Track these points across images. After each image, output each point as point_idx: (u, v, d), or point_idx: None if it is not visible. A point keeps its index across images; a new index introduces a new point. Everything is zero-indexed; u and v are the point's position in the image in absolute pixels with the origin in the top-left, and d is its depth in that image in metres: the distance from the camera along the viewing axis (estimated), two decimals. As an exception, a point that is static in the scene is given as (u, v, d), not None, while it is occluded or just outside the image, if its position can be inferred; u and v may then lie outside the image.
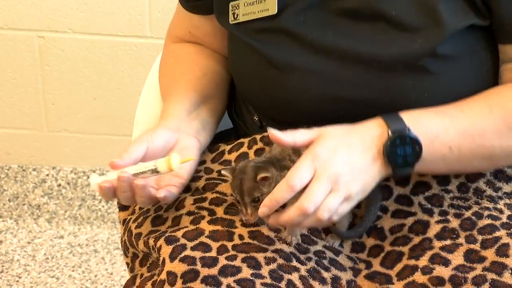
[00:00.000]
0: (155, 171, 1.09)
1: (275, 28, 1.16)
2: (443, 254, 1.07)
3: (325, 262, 1.07)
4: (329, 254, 1.09)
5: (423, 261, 1.07)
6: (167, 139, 1.17)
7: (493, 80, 1.16)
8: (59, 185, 2.35)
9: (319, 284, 1.04)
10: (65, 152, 2.32)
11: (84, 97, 2.24)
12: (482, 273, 1.04)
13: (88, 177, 2.33)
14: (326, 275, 1.06)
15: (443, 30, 1.09)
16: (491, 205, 1.13)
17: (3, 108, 2.27)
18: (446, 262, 1.06)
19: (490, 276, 1.03)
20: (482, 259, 1.05)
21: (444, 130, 1.08)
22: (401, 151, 1.06)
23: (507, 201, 1.14)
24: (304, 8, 1.15)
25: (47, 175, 2.34)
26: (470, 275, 1.04)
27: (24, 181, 2.35)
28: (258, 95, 1.21)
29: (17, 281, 2.16)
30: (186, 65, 1.33)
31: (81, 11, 2.14)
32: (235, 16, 1.21)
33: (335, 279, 1.06)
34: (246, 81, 1.23)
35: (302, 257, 1.06)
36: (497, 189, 1.16)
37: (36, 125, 2.29)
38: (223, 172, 1.09)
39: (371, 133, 1.07)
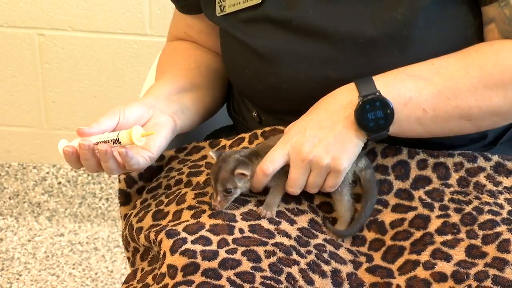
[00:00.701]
0: (117, 142, 1.08)
1: (260, 17, 1.18)
2: (445, 249, 1.07)
3: (325, 255, 1.08)
4: (329, 247, 1.10)
5: (424, 256, 1.07)
6: (140, 114, 1.16)
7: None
8: (59, 183, 2.35)
9: (319, 277, 1.04)
10: (65, 150, 2.32)
11: (84, 95, 2.24)
12: (484, 269, 1.04)
13: (88, 175, 2.33)
14: (326, 268, 1.06)
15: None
16: (491, 200, 1.13)
17: (3, 106, 2.28)
18: (447, 258, 1.06)
19: (492, 272, 1.03)
20: (484, 255, 1.06)
21: (417, 93, 1.09)
22: (371, 115, 1.08)
23: (507, 195, 1.15)
24: None
25: (47, 173, 2.34)
26: (472, 271, 1.04)
27: (24, 179, 2.35)
28: (250, 86, 1.22)
29: (18, 279, 2.16)
30: (182, 57, 1.34)
31: (81, 9, 2.14)
32: (222, 8, 1.22)
33: (335, 272, 1.06)
34: (238, 73, 1.24)
35: (302, 250, 1.07)
36: (497, 184, 1.16)
37: (36, 123, 2.29)
38: (210, 153, 1.11)
39: (340, 102, 1.10)
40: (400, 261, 1.09)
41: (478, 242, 1.07)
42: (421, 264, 1.06)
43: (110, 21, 2.15)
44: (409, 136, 1.13)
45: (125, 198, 1.26)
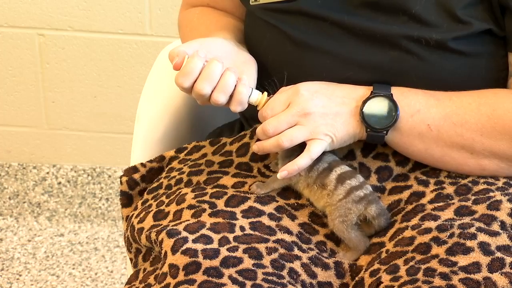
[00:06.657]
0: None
1: (294, 10, 1.17)
2: (434, 212, 1.08)
3: (325, 254, 1.08)
4: (330, 245, 1.10)
5: (413, 221, 1.08)
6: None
7: (506, 86, 1.16)
8: (59, 183, 2.35)
9: (322, 270, 1.05)
10: (65, 150, 2.32)
11: (84, 95, 2.25)
12: (470, 222, 1.04)
13: (88, 175, 2.34)
14: (328, 260, 1.07)
15: (459, 31, 1.10)
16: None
17: (3, 106, 2.28)
18: (435, 218, 1.07)
19: (478, 224, 1.04)
20: (472, 213, 1.06)
21: (426, 108, 1.10)
22: (376, 110, 1.09)
23: None
24: None
25: (47, 173, 2.35)
26: (457, 223, 1.04)
27: (24, 179, 2.35)
28: (270, 70, 1.20)
29: (18, 279, 2.16)
30: (218, 16, 1.32)
31: (81, 9, 2.15)
32: None
33: (338, 264, 1.07)
34: (260, 55, 1.22)
35: (304, 246, 1.07)
36: None
37: (36, 123, 2.29)
38: None
39: (356, 92, 1.11)
40: (391, 232, 1.09)
41: (468, 203, 1.08)
42: (409, 228, 1.07)
43: (110, 21, 2.16)
44: (407, 153, 1.13)
45: (127, 200, 1.26)
